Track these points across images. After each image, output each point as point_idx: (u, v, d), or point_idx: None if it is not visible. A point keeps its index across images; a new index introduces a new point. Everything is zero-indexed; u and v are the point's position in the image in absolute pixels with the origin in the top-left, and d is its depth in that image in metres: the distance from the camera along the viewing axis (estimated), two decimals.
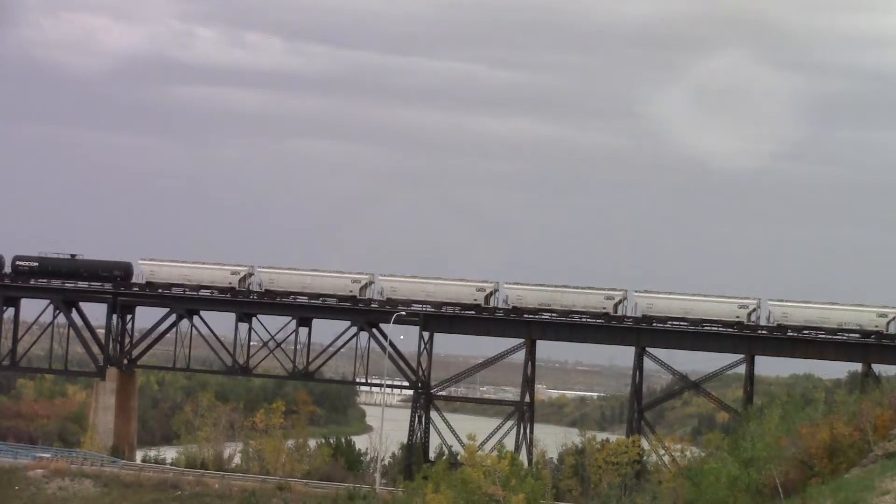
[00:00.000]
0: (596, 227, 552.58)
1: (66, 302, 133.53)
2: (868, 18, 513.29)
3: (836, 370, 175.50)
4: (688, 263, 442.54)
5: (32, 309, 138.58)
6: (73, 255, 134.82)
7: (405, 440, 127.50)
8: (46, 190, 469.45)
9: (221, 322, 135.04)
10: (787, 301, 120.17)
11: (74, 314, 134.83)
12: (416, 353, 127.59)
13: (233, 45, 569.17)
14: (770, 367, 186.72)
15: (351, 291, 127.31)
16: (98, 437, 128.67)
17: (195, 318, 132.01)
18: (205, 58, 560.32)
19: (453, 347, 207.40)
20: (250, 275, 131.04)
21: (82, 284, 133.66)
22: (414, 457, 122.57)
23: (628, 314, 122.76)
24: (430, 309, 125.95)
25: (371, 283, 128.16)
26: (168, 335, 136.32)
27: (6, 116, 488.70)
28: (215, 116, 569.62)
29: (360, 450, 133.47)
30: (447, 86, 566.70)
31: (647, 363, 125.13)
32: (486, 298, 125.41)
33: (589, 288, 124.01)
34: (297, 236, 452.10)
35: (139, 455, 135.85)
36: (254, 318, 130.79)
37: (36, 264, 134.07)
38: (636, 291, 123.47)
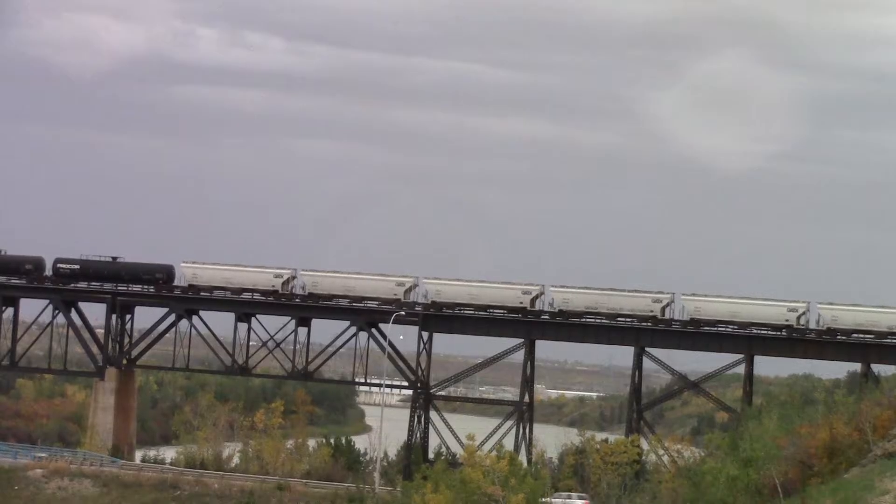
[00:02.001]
0: (596, 228, 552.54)
1: (65, 302, 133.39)
2: (868, 18, 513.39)
3: (836, 370, 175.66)
4: (688, 264, 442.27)
5: (32, 309, 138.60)
6: (114, 258, 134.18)
7: (404, 440, 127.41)
8: (45, 190, 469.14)
9: (220, 322, 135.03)
10: (836, 304, 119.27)
11: (74, 314, 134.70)
12: (415, 353, 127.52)
13: (234, 45, 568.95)
14: (769, 367, 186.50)
15: (395, 294, 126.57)
16: (97, 437, 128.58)
17: (194, 317, 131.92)
18: (206, 58, 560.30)
19: (452, 347, 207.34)
20: (293, 277, 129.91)
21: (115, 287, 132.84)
22: (413, 457, 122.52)
23: (675, 317, 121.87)
24: (473, 312, 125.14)
25: (415, 286, 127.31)
26: (167, 335, 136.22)
27: (8, 117, 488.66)
28: (216, 116, 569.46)
29: (359, 450, 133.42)
30: (447, 86, 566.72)
31: (647, 363, 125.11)
32: (532, 301, 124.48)
33: (636, 291, 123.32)
34: (297, 236, 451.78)
35: (138, 455, 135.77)
36: (253, 318, 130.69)
37: (77, 267, 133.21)
38: (684, 294, 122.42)
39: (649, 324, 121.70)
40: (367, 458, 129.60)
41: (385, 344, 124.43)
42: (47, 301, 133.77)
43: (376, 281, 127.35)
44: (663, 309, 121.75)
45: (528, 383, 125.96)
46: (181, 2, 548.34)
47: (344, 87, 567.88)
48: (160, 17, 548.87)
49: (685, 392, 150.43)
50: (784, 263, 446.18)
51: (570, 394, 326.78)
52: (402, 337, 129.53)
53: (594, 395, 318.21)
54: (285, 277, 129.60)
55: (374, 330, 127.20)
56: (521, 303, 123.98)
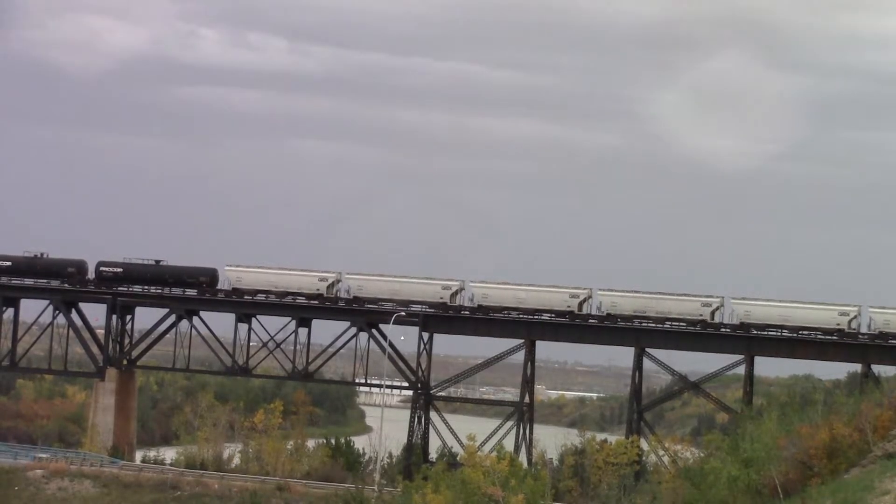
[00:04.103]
0: (596, 228, 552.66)
1: (66, 302, 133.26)
2: (868, 18, 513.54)
3: (836, 370, 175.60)
4: (690, 265, 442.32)
5: (32, 309, 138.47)
6: (157, 261, 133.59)
7: (405, 440, 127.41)
8: (48, 191, 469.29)
9: (221, 322, 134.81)
10: (888, 308, 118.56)
11: (74, 314, 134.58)
12: (415, 354, 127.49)
13: (236, 46, 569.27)
14: (770, 367, 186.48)
15: (442, 298, 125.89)
16: (98, 438, 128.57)
17: (194, 318, 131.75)
18: (208, 58, 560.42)
19: (453, 348, 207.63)
20: (338, 281, 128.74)
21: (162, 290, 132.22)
22: (414, 457, 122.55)
23: (725, 321, 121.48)
24: (524, 317, 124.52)
25: (462, 289, 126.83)
26: (167, 335, 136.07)
27: (13, 117, 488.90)
28: (218, 117, 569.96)
29: (359, 450, 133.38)
30: (448, 86, 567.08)
31: (647, 363, 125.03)
32: (580, 305, 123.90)
33: (685, 295, 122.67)
34: (298, 236, 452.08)
35: (139, 455, 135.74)
36: (253, 319, 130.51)
37: (120, 270, 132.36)
38: (733, 298, 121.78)
39: (698, 327, 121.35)
40: (367, 458, 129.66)
41: (385, 344, 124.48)
42: (47, 301, 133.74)
43: (423, 284, 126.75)
44: (713, 313, 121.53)
45: (528, 384, 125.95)
46: (183, 2, 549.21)
47: (346, 87, 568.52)
48: (162, 17, 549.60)
49: (685, 392, 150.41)
50: (783, 264, 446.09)
51: (570, 394, 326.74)
52: (402, 338, 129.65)
53: (594, 395, 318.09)
54: (330, 281, 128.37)
55: (374, 330, 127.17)
56: (569, 307, 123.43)
